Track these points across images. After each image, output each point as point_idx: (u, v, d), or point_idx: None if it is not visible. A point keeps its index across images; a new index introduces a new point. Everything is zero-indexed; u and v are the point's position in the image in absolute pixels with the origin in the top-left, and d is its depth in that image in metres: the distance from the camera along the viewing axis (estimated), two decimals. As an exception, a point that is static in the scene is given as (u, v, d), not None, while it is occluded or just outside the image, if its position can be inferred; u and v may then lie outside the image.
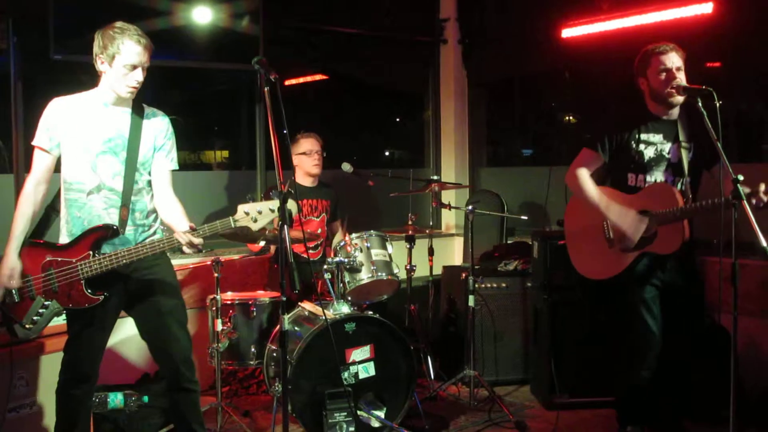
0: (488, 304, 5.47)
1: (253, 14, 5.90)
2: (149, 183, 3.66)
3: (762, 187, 3.47)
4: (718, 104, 3.51)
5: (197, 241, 3.41)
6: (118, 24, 3.47)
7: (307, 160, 5.31)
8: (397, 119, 8.10)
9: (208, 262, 4.77)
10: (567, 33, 6.01)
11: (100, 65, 3.48)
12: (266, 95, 3.24)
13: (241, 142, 6.78)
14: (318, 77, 7.11)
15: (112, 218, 3.52)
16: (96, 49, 3.47)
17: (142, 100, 3.69)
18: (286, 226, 3.16)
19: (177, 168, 3.76)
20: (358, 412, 4.34)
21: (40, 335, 3.96)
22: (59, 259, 3.44)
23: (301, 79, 7.04)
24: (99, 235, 3.46)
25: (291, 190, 3.25)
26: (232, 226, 3.38)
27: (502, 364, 5.52)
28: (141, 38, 3.45)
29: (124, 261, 3.42)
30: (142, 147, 3.59)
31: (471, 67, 7.20)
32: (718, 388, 4.04)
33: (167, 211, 3.67)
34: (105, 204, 3.52)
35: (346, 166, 5.46)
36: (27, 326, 3.46)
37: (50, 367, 4.02)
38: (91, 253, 3.43)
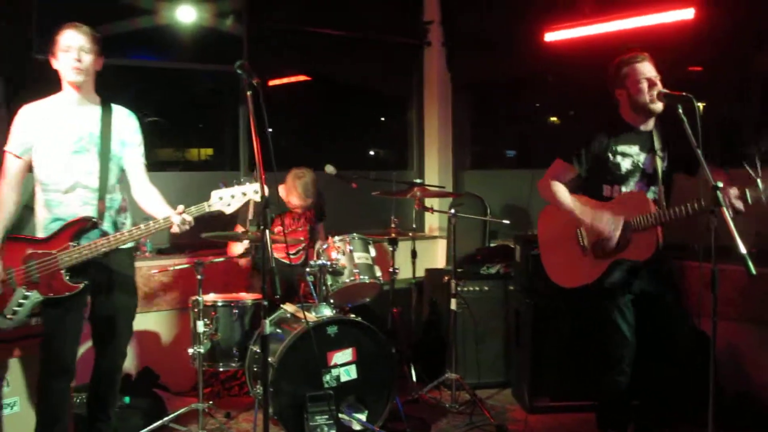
0: (470, 307, 5.48)
1: (237, 14, 5.90)
2: (119, 180, 3.86)
3: (734, 192, 3.50)
4: (699, 109, 3.53)
5: (189, 218, 3.61)
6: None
7: (292, 201, 5.24)
8: (382, 118, 8.09)
9: (190, 265, 4.75)
10: (550, 37, 6.03)
11: (55, 64, 3.67)
12: (248, 99, 3.24)
13: (225, 142, 6.76)
14: (302, 78, 7.10)
15: (89, 213, 3.70)
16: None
17: (112, 99, 3.88)
18: (267, 231, 3.17)
19: (145, 163, 3.95)
20: (340, 415, 4.35)
21: (18, 336, 4.04)
22: (40, 251, 3.60)
23: (285, 80, 7.02)
24: (79, 227, 3.64)
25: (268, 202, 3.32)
26: (207, 209, 3.61)
27: (484, 367, 5.53)
28: (76, 25, 3.65)
29: (104, 249, 3.61)
30: (113, 143, 3.78)
31: (455, 70, 7.22)
32: (697, 391, 4.07)
33: (146, 199, 3.87)
34: (81, 201, 3.70)
35: (330, 168, 5.46)
36: (8, 317, 3.60)
37: (28, 369, 4.06)
38: (71, 243, 3.60)
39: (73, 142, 3.68)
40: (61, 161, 3.67)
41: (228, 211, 3.60)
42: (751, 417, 4.59)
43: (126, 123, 3.86)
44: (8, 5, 4.95)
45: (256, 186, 3.54)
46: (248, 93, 3.24)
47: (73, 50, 3.60)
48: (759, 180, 3.49)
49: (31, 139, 3.67)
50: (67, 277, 3.60)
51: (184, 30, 5.76)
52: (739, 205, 3.50)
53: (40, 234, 3.71)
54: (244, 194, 3.58)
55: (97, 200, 3.71)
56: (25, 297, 3.59)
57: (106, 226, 3.75)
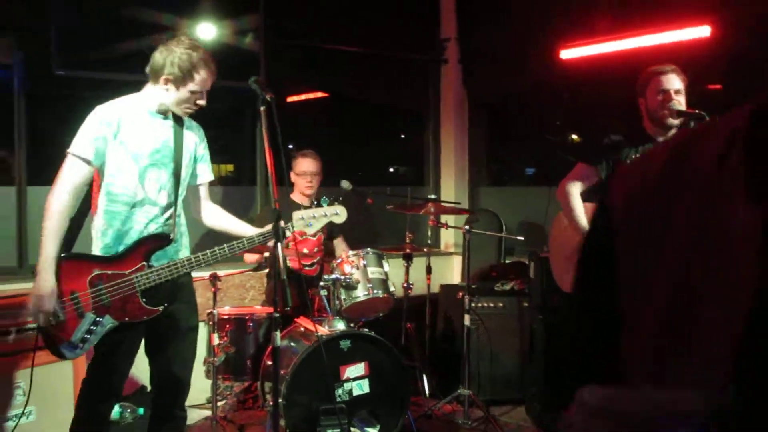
0: (485, 323, 5.48)
1: (255, 31, 5.96)
2: (183, 199, 3.59)
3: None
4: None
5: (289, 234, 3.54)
6: (191, 45, 3.37)
7: (300, 181, 5.34)
8: (401, 135, 8.12)
9: (206, 277, 4.79)
10: (565, 54, 6.05)
11: (163, 84, 3.33)
12: (262, 114, 3.29)
13: (245, 158, 6.82)
14: (319, 94, 7.16)
15: (156, 231, 3.41)
16: (165, 68, 3.31)
17: None
18: (279, 244, 3.20)
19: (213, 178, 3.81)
20: (352, 429, 4.36)
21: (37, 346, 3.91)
22: (109, 272, 3.26)
23: (303, 96, 7.08)
24: (151, 245, 3.35)
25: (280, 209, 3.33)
26: (291, 230, 3.56)
27: (498, 383, 5.53)
28: (212, 65, 3.40)
29: (185, 270, 3.37)
30: (185, 158, 3.49)
31: (471, 87, 7.24)
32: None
33: (219, 219, 3.72)
34: (146, 219, 3.37)
35: (345, 184, 5.49)
36: (79, 345, 3.26)
37: (46, 378, 4.07)
38: (145, 264, 3.30)
39: (149, 154, 3.35)
40: (135, 172, 3.31)
41: (309, 232, 3.59)
42: None
43: (198, 136, 3.60)
44: (29, 22, 5.03)
45: (338, 209, 3.60)
46: (261, 108, 3.29)
47: (203, 94, 3.41)
48: None
49: (105, 145, 3.27)
50: (144, 301, 3.30)
51: (204, 47, 5.81)
52: None
53: (96, 249, 3.35)
54: (325, 215, 3.61)
55: (166, 218, 3.42)
56: (96, 323, 3.22)
57: (176, 245, 3.50)
